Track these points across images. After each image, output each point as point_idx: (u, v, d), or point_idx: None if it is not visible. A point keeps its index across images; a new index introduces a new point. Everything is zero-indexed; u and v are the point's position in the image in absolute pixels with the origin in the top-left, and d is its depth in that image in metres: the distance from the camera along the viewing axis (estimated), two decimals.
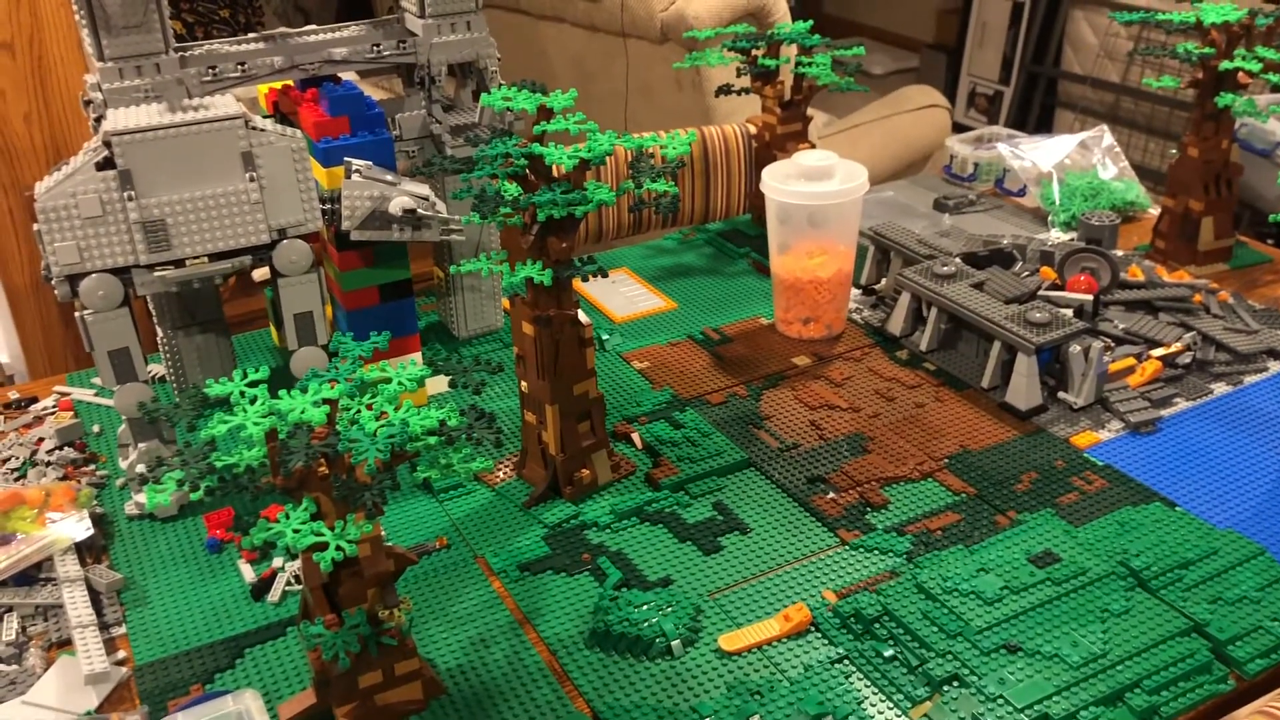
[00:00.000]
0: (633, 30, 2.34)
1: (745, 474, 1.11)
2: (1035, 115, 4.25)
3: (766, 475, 1.11)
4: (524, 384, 1.07)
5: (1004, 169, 1.73)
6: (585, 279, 1.01)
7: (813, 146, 1.58)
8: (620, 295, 1.48)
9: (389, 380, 0.78)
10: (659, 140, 0.96)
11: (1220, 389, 1.22)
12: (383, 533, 1.05)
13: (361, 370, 0.79)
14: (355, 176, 1.09)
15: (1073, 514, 1.03)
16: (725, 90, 1.59)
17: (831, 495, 1.07)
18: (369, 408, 0.76)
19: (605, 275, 0.99)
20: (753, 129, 1.69)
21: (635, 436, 1.16)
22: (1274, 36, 1.41)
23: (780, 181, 1.29)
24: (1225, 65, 1.37)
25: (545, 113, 0.99)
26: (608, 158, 0.95)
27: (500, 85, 1.10)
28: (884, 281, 1.45)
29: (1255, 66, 1.36)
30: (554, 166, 0.96)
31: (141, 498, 1.08)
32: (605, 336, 1.36)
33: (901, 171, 2.72)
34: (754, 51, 1.55)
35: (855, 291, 1.46)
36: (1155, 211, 1.65)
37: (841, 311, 1.35)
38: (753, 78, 1.56)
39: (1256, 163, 2.55)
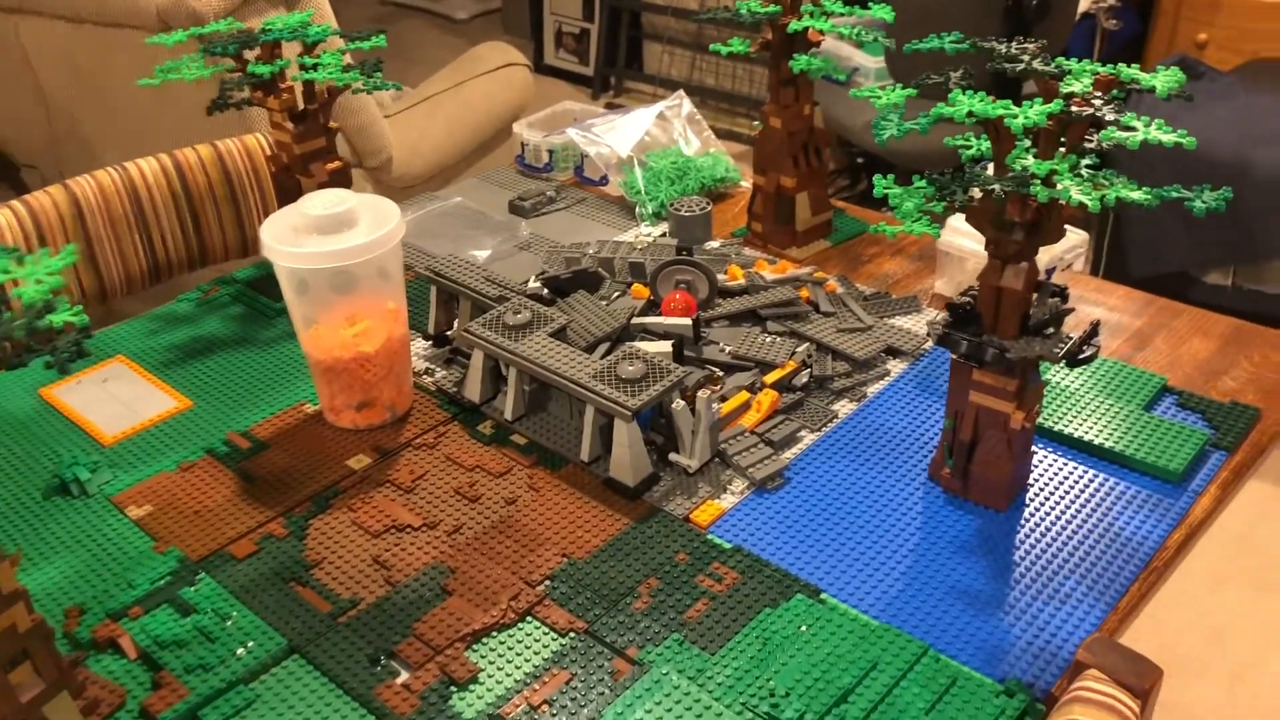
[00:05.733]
0: (126, 20, 1.90)
1: (287, 667, 0.82)
2: (624, 49, 4.13)
3: (315, 664, 0.82)
4: None
5: (582, 154, 1.50)
6: None
7: (344, 165, 1.28)
8: (113, 402, 1.12)
9: None
10: (10, 268, 0.62)
11: (845, 408, 1.06)
12: None
13: None
14: None
15: (705, 635, 0.82)
16: (220, 105, 1.24)
17: (403, 678, 0.80)
18: None
19: None
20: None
21: (125, 642, 0.83)
22: None
23: (287, 241, 0.98)
24: (794, 25, 1.19)
25: None
26: None
27: None
28: (456, 324, 1.18)
29: (826, 25, 1.19)
30: None
31: None
32: (86, 476, 1.00)
33: (487, 143, 2.46)
34: (246, 55, 1.21)
35: (422, 344, 1.18)
36: (746, 185, 1.49)
37: (404, 385, 1.07)
38: (251, 87, 1.22)
39: (835, 91, 2.49)
